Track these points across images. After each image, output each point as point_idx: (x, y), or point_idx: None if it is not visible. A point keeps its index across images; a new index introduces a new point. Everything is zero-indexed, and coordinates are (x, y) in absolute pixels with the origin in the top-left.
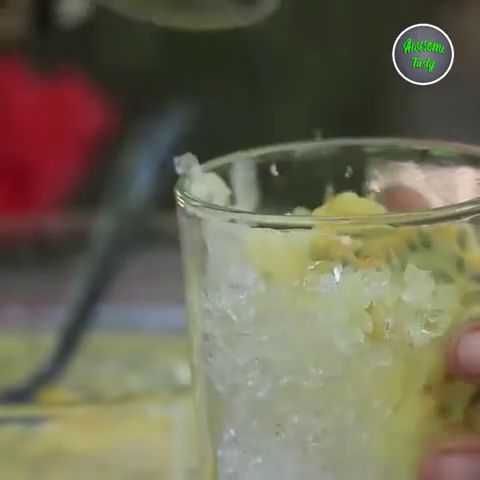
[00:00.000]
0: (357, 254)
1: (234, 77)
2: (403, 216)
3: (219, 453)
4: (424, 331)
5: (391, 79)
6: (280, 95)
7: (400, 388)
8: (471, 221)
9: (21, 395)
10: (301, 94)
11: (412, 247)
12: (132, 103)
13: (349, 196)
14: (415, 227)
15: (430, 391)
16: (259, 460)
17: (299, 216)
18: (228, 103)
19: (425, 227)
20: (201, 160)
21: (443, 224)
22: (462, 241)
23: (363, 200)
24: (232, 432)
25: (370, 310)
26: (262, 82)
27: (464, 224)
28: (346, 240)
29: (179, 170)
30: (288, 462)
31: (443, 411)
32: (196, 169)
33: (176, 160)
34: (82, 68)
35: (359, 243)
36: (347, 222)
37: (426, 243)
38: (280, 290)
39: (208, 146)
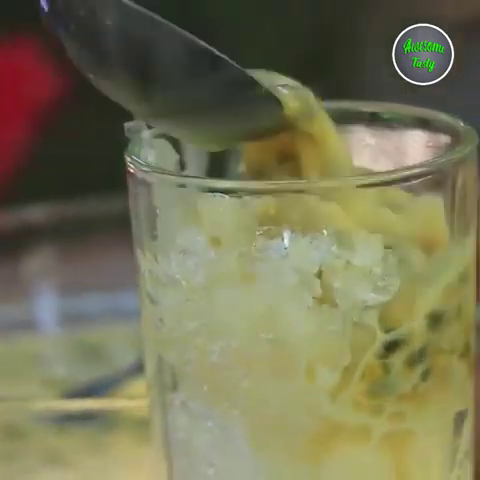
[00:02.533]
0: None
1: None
2: (359, 179)
3: (169, 419)
4: (373, 295)
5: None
6: None
7: (349, 352)
8: (420, 184)
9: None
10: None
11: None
12: None
13: None
14: (368, 190)
15: (379, 358)
16: (210, 424)
17: (249, 181)
18: None
19: (372, 191)
20: None
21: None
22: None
23: None
24: (182, 397)
25: (319, 274)
26: None
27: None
28: (295, 205)
29: (129, 135)
30: (239, 426)
31: (392, 382)
32: (145, 134)
33: (126, 125)
34: (33, 30)
35: (307, 208)
36: (300, 186)
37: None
38: (229, 256)
39: None
